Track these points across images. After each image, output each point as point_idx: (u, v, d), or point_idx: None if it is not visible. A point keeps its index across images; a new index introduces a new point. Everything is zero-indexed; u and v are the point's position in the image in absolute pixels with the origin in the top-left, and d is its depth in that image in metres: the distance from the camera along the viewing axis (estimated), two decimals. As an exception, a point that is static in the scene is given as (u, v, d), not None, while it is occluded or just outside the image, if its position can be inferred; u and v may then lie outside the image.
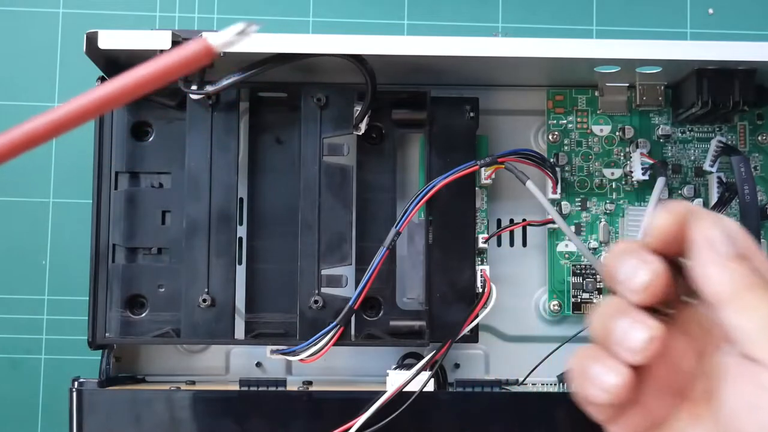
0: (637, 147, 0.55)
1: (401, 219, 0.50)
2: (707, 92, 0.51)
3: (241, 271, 0.53)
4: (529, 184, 0.51)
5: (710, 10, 0.62)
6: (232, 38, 0.33)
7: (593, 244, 0.55)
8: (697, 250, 0.33)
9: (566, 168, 0.56)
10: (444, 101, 0.53)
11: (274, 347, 0.50)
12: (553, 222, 0.54)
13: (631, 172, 0.55)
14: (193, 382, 0.54)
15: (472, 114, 0.53)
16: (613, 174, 0.56)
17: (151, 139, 0.53)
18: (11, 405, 0.58)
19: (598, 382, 0.34)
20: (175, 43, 0.47)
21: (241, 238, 0.53)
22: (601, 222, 0.56)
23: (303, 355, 0.49)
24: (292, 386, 0.50)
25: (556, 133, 0.56)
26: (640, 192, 0.56)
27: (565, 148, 0.56)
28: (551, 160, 0.55)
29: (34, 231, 0.59)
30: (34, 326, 0.58)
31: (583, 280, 0.55)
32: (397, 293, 0.53)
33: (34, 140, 0.34)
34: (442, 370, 0.53)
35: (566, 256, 0.56)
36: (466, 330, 0.51)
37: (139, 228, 0.52)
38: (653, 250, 0.34)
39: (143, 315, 0.52)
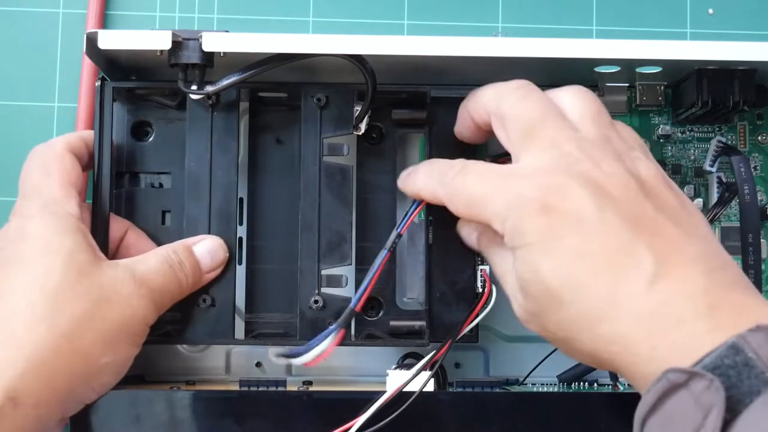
0: (637, 147, 0.55)
1: (402, 221, 0.49)
2: (707, 92, 0.51)
3: (241, 271, 0.52)
4: (529, 184, 0.51)
5: (710, 10, 0.62)
6: None
7: (593, 244, 0.55)
8: None
9: (566, 168, 0.55)
10: (444, 101, 0.53)
11: (277, 351, 0.50)
12: (553, 222, 0.53)
13: (631, 172, 0.55)
14: (193, 382, 0.54)
15: (472, 114, 0.53)
16: (613, 174, 0.56)
17: (151, 139, 0.53)
18: (11, 405, 0.58)
19: None
20: (175, 43, 0.47)
21: (241, 238, 0.53)
22: (601, 222, 0.55)
23: (306, 359, 0.48)
24: (292, 386, 0.50)
25: (556, 133, 0.56)
26: (640, 192, 0.55)
27: (565, 148, 0.56)
28: (551, 160, 0.55)
29: (34, 231, 0.58)
30: (34, 326, 0.58)
31: (583, 280, 0.55)
32: (397, 293, 0.52)
33: None
34: (442, 370, 0.53)
35: (566, 256, 0.55)
36: (466, 330, 0.51)
37: (139, 228, 0.52)
38: None
39: (143, 315, 0.52)
